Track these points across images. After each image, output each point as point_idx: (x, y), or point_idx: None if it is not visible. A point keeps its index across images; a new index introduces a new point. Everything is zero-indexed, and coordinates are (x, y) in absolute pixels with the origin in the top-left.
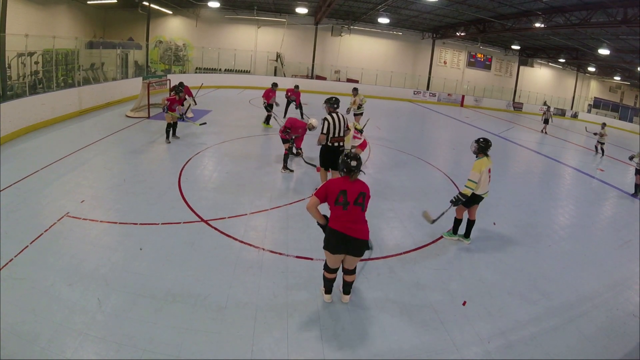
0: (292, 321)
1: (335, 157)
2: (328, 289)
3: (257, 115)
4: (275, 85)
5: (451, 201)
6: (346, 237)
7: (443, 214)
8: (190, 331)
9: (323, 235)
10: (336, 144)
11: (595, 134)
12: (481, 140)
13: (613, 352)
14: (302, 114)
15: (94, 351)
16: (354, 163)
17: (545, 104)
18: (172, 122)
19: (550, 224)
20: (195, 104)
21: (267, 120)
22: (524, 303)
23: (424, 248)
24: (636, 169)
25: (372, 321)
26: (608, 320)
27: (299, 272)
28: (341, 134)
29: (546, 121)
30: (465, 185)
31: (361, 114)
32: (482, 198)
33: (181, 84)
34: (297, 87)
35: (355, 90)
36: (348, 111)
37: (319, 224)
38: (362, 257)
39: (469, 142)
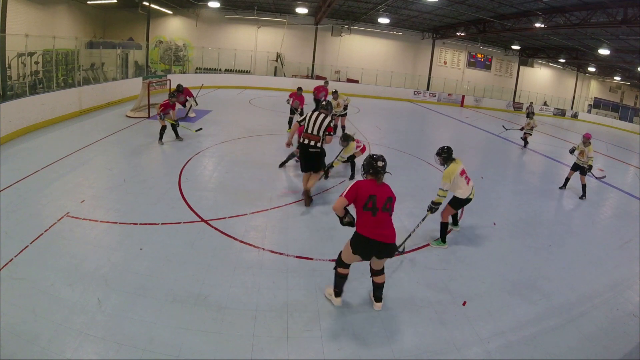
0: (292, 321)
1: (306, 156)
2: (340, 290)
3: (257, 116)
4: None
5: (428, 210)
6: (376, 244)
7: (410, 235)
8: (190, 331)
9: (322, 235)
10: (306, 141)
11: (522, 128)
12: (444, 150)
13: (613, 352)
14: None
15: (94, 351)
16: (380, 163)
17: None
18: (165, 125)
19: (550, 224)
20: (197, 104)
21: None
22: (524, 303)
23: (424, 248)
24: (575, 163)
25: (372, 321)
26: (608, 320)
27: (299, 272)
28: (314, 132)
29: (529, 115)
30: (438, 195)
31: (345, 114)
32: (470, 200)
33: (179, 86)
34: (300, 89)
35: (335, 93)
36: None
37: (344, 222)
38: None
39: (469, 142)
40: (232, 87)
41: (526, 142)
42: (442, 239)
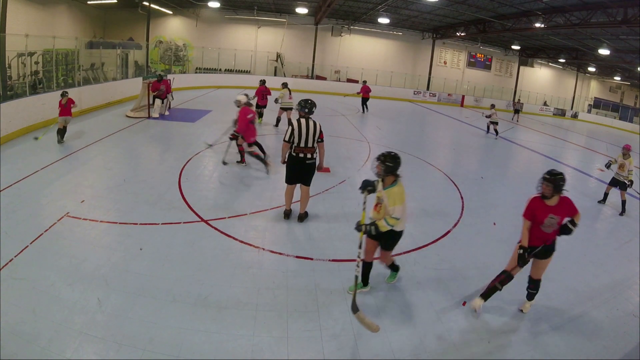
0: (292, 321)
1: (302, 169)
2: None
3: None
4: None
5: (361, 229)
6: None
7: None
8: (190, 331)
9: (322, 235)
10: (301, 155)
11: (487, 116)
12: (397, 158)
13: (613, 352)
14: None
15: (94, 351)
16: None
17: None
18: (61, 127)
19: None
20: (173, 99)
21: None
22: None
23: (424, 248)
24: (613, 177)
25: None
26: (608, 320)
27: (299, 272)
28: (309, 145)
29: (517, 111)
30: (387, 222)
31: (288, 109)
32: (401, 235)
33: (160, 75)
34: (262, 82)
35: (282, 84)
36: (276, 101)
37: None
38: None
39: (469, 142)
40: (232, 87)
41: (487, 130)
42: (364, 280)
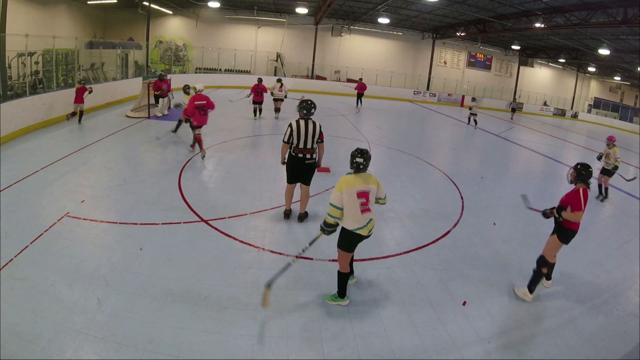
0: (292, 321)
1: (301, 169)
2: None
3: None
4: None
5: (321, 228)
6: None
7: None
8: (190, 331)
9: (322, 236)
10: (300, 155)
11: (469, 108)
12: (362, 153)
13: (613, 352)
14: (258, 111)
15: (94, 351)
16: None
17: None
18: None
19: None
20: (173, 97)
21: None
22: (524, 303)
23: (424, 248)
24: (603, 167)
25: (372, 321)
26: (608, 320)
27: (299, 272)
28: (308, 146)
29: (513, 110)
30: (328, 213)
31: (278, 100)
32: (362, 237)
33: (161, 75)
34: (259, 80)
35: (279, 80)
36: (272, 94)
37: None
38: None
39: (468, 142)
40: (232, 87)
41: (469, 121)
42: (340, 292)
